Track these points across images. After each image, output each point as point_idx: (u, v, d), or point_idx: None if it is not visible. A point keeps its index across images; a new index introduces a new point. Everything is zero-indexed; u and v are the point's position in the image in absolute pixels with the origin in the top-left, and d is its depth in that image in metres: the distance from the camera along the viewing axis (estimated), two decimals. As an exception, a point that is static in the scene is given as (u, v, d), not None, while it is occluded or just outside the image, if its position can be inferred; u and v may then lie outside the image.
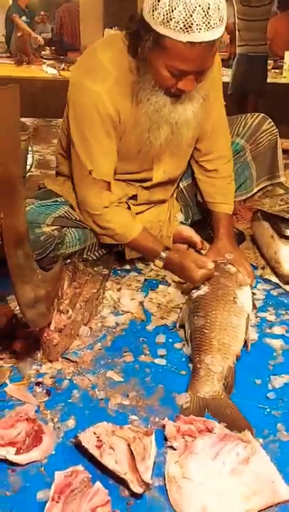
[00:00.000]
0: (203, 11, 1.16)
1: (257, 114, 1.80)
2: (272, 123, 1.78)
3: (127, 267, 1.82)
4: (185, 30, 1.17)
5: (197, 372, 1.27)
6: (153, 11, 1.20)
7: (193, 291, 1.49)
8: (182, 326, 1.46)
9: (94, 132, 1.43)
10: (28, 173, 2.51)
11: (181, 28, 1.17)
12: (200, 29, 1.17)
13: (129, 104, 1.42)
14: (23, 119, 4.06)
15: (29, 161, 2.46)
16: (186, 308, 1.47)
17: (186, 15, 1.16)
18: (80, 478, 0.98)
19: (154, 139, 1.45)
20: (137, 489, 0.97)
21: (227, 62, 7.51)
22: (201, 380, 1.25)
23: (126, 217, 1.56)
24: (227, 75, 6.50)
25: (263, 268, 1.80)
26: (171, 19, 1.17)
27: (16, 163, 1.05)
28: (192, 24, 1.16)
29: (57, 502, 0.93)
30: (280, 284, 1.71)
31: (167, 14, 1.17)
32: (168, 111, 1.38)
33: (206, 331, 1.35)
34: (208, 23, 1.17)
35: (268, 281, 1.75)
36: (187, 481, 1.00)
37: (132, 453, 1.02)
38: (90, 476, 0.99)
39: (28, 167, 2.46)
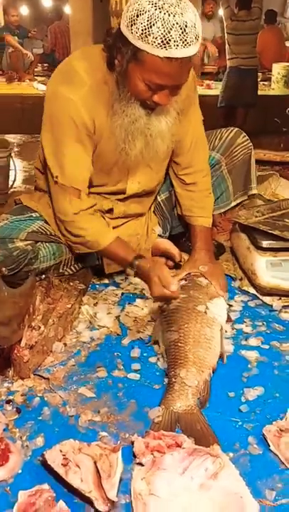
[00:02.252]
0: (181, 29, 1.19)
1: (231, 128, 1.82)
2: (247, 137, 1.80)
3: (106, 281, 1.82)
4: (163, 46, 1.20)
5: (172, 386, 1.26)
6: (131, 25, 1.22)
7: (164, 305, 1.48)
8: (156, 342, 1.45)
9: (65, 139, 1.44)
10: (12, 189, 2.51)
11: (158, 44, 1.20)
12: (177, 46, 1.20)
13: (104, 114, 1.44)
14: (10, 136, 4.11)
15: (11, 177, 2.47)
16: (159, 323, 1.46)
17: (164, 31, 1.19)
18: (44, 498, 0.96)
19: (129, 150, 1.47)
20: (102, 507, 0.96)
21: (216, 76, 7.64)
22: (175, 394, 1.24)
23: (99, 224, 1.55)
24: (216, 88, 6.60)
25: (240, 279, 1.80)
26: (149, 34, 1.20)
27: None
28: (170, 40, 1.19)
29: (19, 522, 0.91)
30: (258, 295, 1.71)
31: (146, 29, 1.20)
32: (143, 122, 1.40)
33: (180, 344, 1.34)
34: (185, 40, 1.20)
35: (245, 292, 1.74)
36: (153, 498, 0.98)
37: (97, 471, 1.01)
38: (54, 495, 0.98)
39: (10, 183, 2.47)
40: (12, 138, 4.15)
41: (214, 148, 1.79)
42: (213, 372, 1.32)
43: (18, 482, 1.03)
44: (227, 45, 5.19)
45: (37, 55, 8.23)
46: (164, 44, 1.20)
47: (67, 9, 9.10)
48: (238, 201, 1.87)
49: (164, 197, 1.83)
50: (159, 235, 1.84)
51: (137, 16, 1.21)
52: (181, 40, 1.20)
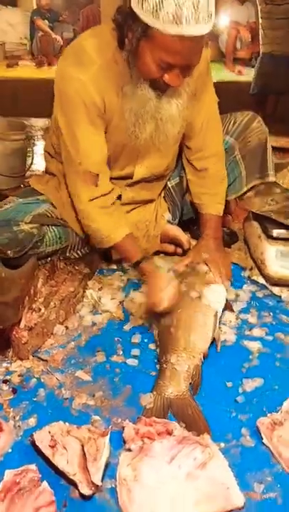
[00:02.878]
0: (193, 5, 1.15)
1: (247, 112, 1.76)
2: (262, 121, 1.74)
3: (114, 266, 1.81)
4: (174, 22, 1.16)
5: (163, 372, 1.25)
6: (142, 2, 1.19)
7: None
8: (150, 325, 1.45)
9: (79, 121, 1.41)
10: (28, 172, 2.52)
11: (170, 20, 1.16)
12: (189, 23, 1.16)
13: (115, 94, 1.41)
14: (36, 120, 4.13)
15: (28, 160, 2.47)
16: None
17: (176, 7, 1.15)
18: (29, 478, 0.97)
19: (139, 133, 1.44)
20: (86, 491, 0.96)
21: (249, 62, 7.46)
22: (167, 380, 1.23)
23: (110, 220, 1.52)
24: (248, 75, 6.44)
25: (251, 269, 1.76)
26: (160, 10, 1.16)
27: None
28: (181, 17, 1.15)
29: (2, 500, 0.93)
30: (267, 285, 1.67)
31: (157, 5, 1.16)
32: (153, 105, 1.37)
33: (172, 329, 1.34)
34: (198, 17, 1.16)
35: (254, 282, 1.71)
36: (138, 485, 0.98)
37: (84, 453, 1.01)
38: (40, 475, 0.99)
39: (26, 166, 2.47)
40: (39, 122, 4.16)
41: (228, 133, 1.73)
42: (204, 358, 1.31)
43: (6, 461, 1.04)
44: (261, 30, 5.04)
45: (66, 40, 8.21)
46: (176, 20, 1.16)
47: (98, -7, 9.04)
48: (251, 185, 1.81)
49: (174, 183, 1.80)
50: (169, 222, 1.81)
51: None
52: (193, 17, 1.16)
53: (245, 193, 1.85)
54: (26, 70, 7.25)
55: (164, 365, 1.26)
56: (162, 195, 1.80)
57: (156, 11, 1.17)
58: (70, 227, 1.61)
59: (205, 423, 1.12)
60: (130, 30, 1.27)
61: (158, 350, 1.37)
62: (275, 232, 1.63)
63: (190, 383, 1.23)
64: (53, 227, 1.58)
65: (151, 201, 1.75)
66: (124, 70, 1.35)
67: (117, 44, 1.34)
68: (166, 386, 1.22)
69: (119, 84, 1.39)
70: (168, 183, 1.79)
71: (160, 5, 1.16)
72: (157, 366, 1.31)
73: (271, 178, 1.81)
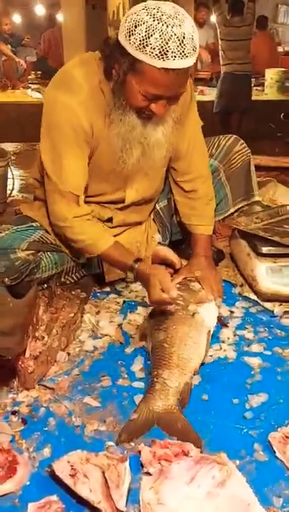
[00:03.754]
0: (178, 40, 1.21)
1: (229, 135, 1.83)
2: (244, 144, 1.81)
3: (107, 289, 1.82)
4: (160, 56, 1.22)
5: (153, 385, 1.28)
6: (129, 36, 1.24)
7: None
8: (144, 338, 1.48)
9: (64, 144, 1.44)
10: (9, 198, 2.52)
11: (156, 55, 1.22)
12: (174, 57, 1.22)
13: (102, 122, 1.45)
14: (5, 145, 4.11)
15: (9, 186, 2.47)
16: (149, 320, 1.49)
17: (162, 42, 1.21)
18: (54, 509, 0.97)
19: (127, 158, 1.48)
20: (112, 518, 0.96)
21: (209, 82, 7.68)
22: (156, 393, 1.25)
23: (97, 229, 1.55)
24: (210, 94, 6.63)
25: (241, 286, 1.81)
26: (147, 45, 1.22)
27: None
28: (167, 51, 1.21)
29: (29, 535, 0.91)
30: (259, 301, 1.72)
31: (144, 40, 1.22)
32: (139, 132, 1.42)
33: (165, 345, 1.36)
34: (183, 51, 1.22)
35: (246, 298, 1.75)
36: (162, 507, 0.99)
37: (106, 481, 1.01)
38: (64, 506, 0.98)
39: (8, 192, 2.47)
40: (8, 146, 4.15)
41: (212, 156, 1.80)
42: (194, 375, 1.34)
43: (26, 494, 1.03)
44: (221, 52, 5.23)
45: (30, 63, 8.25)
46: (162, 55, 1.21)
47: (60, 17, 9.13)
48: (238, 207, 1.88)
49: (163, 205, 1.84)
50: (159, 243, 1.85)
51: (135, 27, 1.23)
52: (178, 51, 1.22)
53: (232, 213, 1.91)
54: (-10, 94, 7.24)
55: (155, 379, 1.29)
56: (152, 216, 1.84)
57: (143, 45, 1.22)
58: (65, 251, 1.62)
59: (196, 435, 1.15)
60: (117, 62, 1.32)
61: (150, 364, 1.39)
62: (265, 249, 1.69)
63: (178, 399, 1.26)
64: (49, 253, 1.59)
65: (141, 223, 1.78)
66: (110, 99, 1.39)
67: (104, 75, 1.38)
68: (156, 400, 1.24)
69: (105, 111, 1.43)
70: (156, 205, 1.83)
71: (147, 40, 1.21)
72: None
73: (257, 198, 1.89)
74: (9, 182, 2.51)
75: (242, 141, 1.81)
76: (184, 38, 1.22)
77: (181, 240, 1.94)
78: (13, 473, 1.05)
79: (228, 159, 1.79)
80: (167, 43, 1.21)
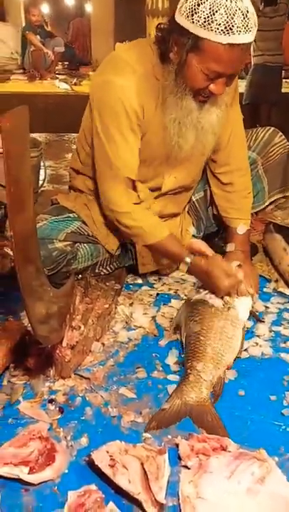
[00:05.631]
0: (243, 15, 1.22)
1: (268, 127, 1.80)
2: (283, 136, 1.78)
3: (139, 281, 1.82)
4: (226, 32, 1.22)
5: (187, 377, 1.28)
6: (192, 14, 1.24)
7: (193, 294, 1.52)
8: (178, 328, 1.48)
9: (120, 128, 1.42)
10: (41, 188, 2.53)
11: (222, 30, 1.22)
12: (240, 31, 1.22)
13: (153, 106, 1.43)
14: (34, 135, 4.13)
15: (41, 176, 2.48)
16: (184, 310, 1.48)
17: (228, 17, 1.21)
18: (93, 498, 0.97)
19: (183, 143, 1.47)
20: (151, 510, 0.96)
21: (240, 73, 7.59)
22: (190, 385, 1.25)
23: (154, 218, 1.54)
24: (239, 86, 6.55)
25: (276, 281, 1.78)
26: (212, 21, 1.21)
27: (27, 183, 1.06)
28: (233, 26, 1.21)
29: (70, 523, 0.92)
30: (294, 297, 1.69)
31: (208, 17, 1.21)
32: (196, 116, 1.41)
33: (201, 337, 1.36)
34: (247, 25, 1.23)
35: (282, 294, 1.73)
36: (202, 501, 0.98)
37: (145, 472, 1.01)
38: (103, 496, 0.98)
39: (40, 182, 2.48)
40: (37, 137, 4.17)
41: (250, 148, 1.77)
42: (228, 369, 1.34)
43: (65, 482, 1.03)
44: (253, 42, 5.14)
45: (58, 54, 8.26)
46: (228, 30, 1.21)
47: (88, 7, 9.12)
48: (273, 199, 1.85)
49: (199, 197, 1.82)
50: (193, 236, 1.83)
51: (198, 5, 1.23)
52: (243, 25, 1.22)
53: (267, 206, 1.88)
54: (18, 85, 7.27)
55: (189, 371, 1.29)
56: (186, 209, 1.82)
57: (209, 22, 1.22)
58: (101, 243, 1.62)
59: (224, 430, 1.15)
60: (177, 44, 1.32)
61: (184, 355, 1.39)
62: (302, 244, 1.66)
63: (211, 392, 1.26)
64: (85, 244, 1.59)
65: (176, 215, 1.77)
66: (165, 84, 1.37)
67: (160, 59, 1.37)
68: (189, 391, 1.24)
69: (158, 96, 1.41)
70: (192, 196, 1.81)
71: (212, 17, 1.21)
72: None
73: (292, 191, 1.85)
74: (41, 172, 2.52)
75: (280, 133, 1.77)
76: (247, 12, 1.22)
77: (214, 233, 1.92)
78: (52, 460, 1.06)
79: (267, 151, 1.76)
80: (232, 18, 1.21)
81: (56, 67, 8.49)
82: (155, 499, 0.97)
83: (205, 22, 1.22)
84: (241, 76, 6.75)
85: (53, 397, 1.26)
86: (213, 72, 1.29)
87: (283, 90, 5.69)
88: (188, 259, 1.47)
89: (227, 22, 1.20)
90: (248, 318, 1.52)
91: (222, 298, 1.47)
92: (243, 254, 1.65)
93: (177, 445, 1.10)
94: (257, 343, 1.47)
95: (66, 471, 1.06)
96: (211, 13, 1.21)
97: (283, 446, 1.12)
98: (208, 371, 1.29)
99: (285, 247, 1.72)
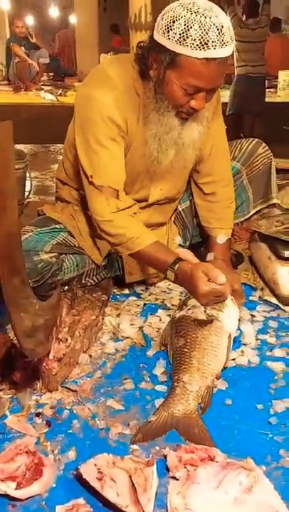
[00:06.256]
0: (218, 29, 1.24)
1: (252, 138, 1.83)
2: (267, 147, 1.80)
3: (126, 291, 1.82)
4: (201, 47, 1.24)
5: (174, 390, 1.27)
6: (168, 31, 1.26)
7: (177, 311, 1.52)
8: (165, 346, 1.48)
9: (101, 139, 1.42)
10: (27, 200, 2.53)
11: (197, 45, 1.24)
12: (215, 46, 1.24)
13: (135, 121, 1.45)
14: (20, 146, 4.13)
15: (27, 187, 2.48)
16: (169, 329, 1.48)
17: (202, 33, 1.23)
18: (81, 513, 0.96)
19: (163, 159, 1.48)
20: (139, 522, 0.96)
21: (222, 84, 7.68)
22: (176, 397, 1.25)
23: (138, 225, 1.50)
24: (222, 96, 6.62)
25: (262, 289, 1.80)
26: (187, 37, 1.24)
27: (10, 197, 1.06)
28: (208, 41, 1.23)
29: (58, 538, 0.91)
30: (280, 305, 1.70)
31: (183, 33, 1.24)
32: (177, 133, 1.42)
33: (185, 350, 1.36)
34: (222, 40, 1.25)
35: (267, 302, 1.74)
36: (190, 513, 0.98)
37: (133, 484, 1.00)
38: (92, 509, 0.98)
39: (26, 193, 2.48)
40: (22, 148, 4.17)
41: (234, 159, 1.79)
42: (217, 379, 1.34)
43: (53, 496, 1.02)
44: (236, 53, 5.22)
45: (42, 65, 8.29)
46: (203, 45, 1.24)
47: (73, 19, 9.18)
48: (257, 209, 1.87)
49: (185, 206, 1.84)
50: (180, 245, 1.84)
51: (173, 22, 1.25)
52: (218, 40, 1.24)
53: (251, 216, 1.90)
54: (3, 96, 7.28)
55: (176, 383, 1.29)
56: (172, 218, 1.84)
57: (184, 38, 1.24)
58: (87, 254, 1.62)
59: (211, 441, 1.15)
60: (155, 61, 1.34)
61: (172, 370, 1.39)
62: (287, 253, 1.68)
63: (199, 403, 1.26)
64: (71, 255, 1.59)
65: (162, 225, 1.78)
66: (146, 101, 1.39)
67: (140, 76, 1.39)
68: (176, 404, 1.24)
69: (138, 111, 1.43)
70: (178, 206, 1.83)
71: (186, 33, 1.24)
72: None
73: (275, 201, 1.88)
74: (27, 184, 2.52)
75: (264, 144, 1.80)
76: (222, 27, 1.24)
77: (200, 243, 1.93)
78: (39, 475, 1.05)
79: (251, 162, 1.79)
80: (207, 33, 1.23)
81: (41, 79, 8.51)
82: (143, 511, 0.96)
83: (180, 38, 1.24)
84: (225, 87, 6.86)
85: (40, 410, 1.25)
86: (191, 87, 1.31)
87: (266, 100, 5.77)
88: (175, 266, 1.43)
89: (202, 37, 1.22)
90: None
91: (205, 311, 1.46)
92: (224, 262, 1.66)
93: (165, 456, 1.10)
94: (243, 352, 1.48)
95: (54, 486, 1.05)
96: (186, 29, 1.23)
97: (270, 455, 1.13)
98: (195, 382, 1.29)
99: (269, 256, 1.74)
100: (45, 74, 9.12)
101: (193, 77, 1.28)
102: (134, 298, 1.78)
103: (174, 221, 1.85)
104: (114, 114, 1.41)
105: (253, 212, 1.88)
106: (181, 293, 1.77)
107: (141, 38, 2.04)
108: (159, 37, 1.29)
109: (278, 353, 1.48)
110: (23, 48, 7.81)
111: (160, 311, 1.68)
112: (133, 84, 1.42)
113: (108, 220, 1.46)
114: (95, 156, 1.43)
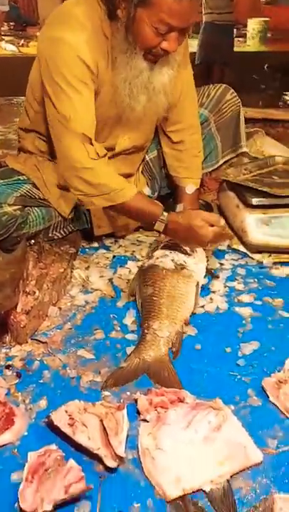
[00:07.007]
0: None
1: (219, 84, 1.79)
2: (235, 93, 1.77)
3: (95, 244, 1.80)
4: None
5: (144, 337, 1.29)
6: None
7: (145, 261, 1.52)
8: (134, 296, 1.48)
9: (71, 82, 1.34)
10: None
11: None
12: None
13: (105, 64, 1.38)
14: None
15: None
16: (137, 278, 1.48)
17: None
18: (54, 457, 0.97)
19: (135, 105, 1.43)
20: (111, 463, 0.98)
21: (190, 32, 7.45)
22: (147, 344, 1.27)
23: (119, 176, 1.45)
24: (191, 45, 6.44)
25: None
26: None
27: None
28: None
29: (31, 482, 0.93)
30: (248, 253, 1.72)
31: None
32: (146, 76, 1.37)
33: (154, 298, 1.37)
34: None
35: (235, 250, 1.75)
36: (160, 452, 1.01)
37: (104, 428, 1.02)
38: (64, 454, 0.99)
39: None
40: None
41: (202, 105, 1.75)
42: (186, 325, 1.36)
43: (25, 444, 1.03)
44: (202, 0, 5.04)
45: (2, 13, 7.82)
46: None
47: None
48: (226, 158, 1.85)
49: (152, 156, 1.80)
50: (148, 196, 1.81)
51: None
52: None
53: (220, 165, 1.88)
54: None
55: (146, 330, 1.30)
56: (140, 169, 1.80)
57: None
58: (53, 206, 1.58)
59: (179, 384, 1.17)
60: (124, 0, 1.25)
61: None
62: (255, 201, 1.67)
63: (170, 348, 1.28)
64: (36, 207, 1.55)
65: (130, 176, 1.74)
66: (114, 42, 1.32)
67: (108, 16, 1.31)
68: (147, 350, 1.25)
69: (107, 54, 1.36)
70: (146, 156, 1.79)
71: None
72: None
73: (244, 149, 1.86)
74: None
75: (232, 90, 1.77)
76: None
77: (169, 194, 1.91)
78: (10, 424, 1.05)
79: (219, 109, 1.75)
80: None
81: (1, 29, 8.06)
82: (115, 453, 0.98)
83: None
84: (194, 36, 6.66)
85: (9, 363, 1.24)
86: (165, 24, 1.24)
87: (235, 49, 5.64)
88: (164, 216, 1.40)
89: None
90: (205, 276, 1.54)
91: (172, 260, 1.47)
92: None
93: (136, 400, 1.12)
94: (212, 299, 1.50)
95: (26, 434, 1.06)
96: None
97: (238, 395, 1.16)
98: (165, 328, 1.30)
99: (237, 204, 1.74)
100: (6, 23, 8.63)
101: (166, 13, 1.21)
102: (104, 251, 1.77)
103: (141, 172, 1.81)
104: (86, 56, 1.32)
105: (222, 162, 1.86)
106: (151, 244, 1.76)
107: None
108: None
109: (246, 298, 1.50)
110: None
111: (130, 263, 1.67)
112: (101, 25, 1.34)
113: (89, 167, 1.39)
114: (68, 100, 1.34)
